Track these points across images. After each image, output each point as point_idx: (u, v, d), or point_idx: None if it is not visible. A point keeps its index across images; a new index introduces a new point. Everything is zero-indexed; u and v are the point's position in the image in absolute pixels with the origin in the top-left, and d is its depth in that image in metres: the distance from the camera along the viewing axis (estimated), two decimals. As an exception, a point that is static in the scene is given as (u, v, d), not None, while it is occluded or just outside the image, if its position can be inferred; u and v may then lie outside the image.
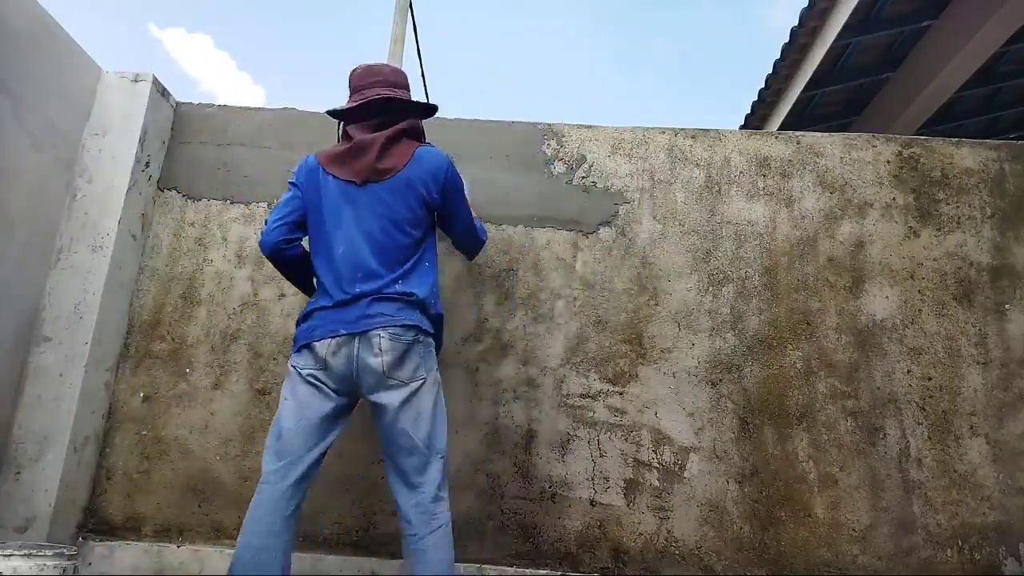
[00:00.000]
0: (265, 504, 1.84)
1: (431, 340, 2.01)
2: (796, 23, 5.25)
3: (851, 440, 2.41)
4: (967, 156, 2.68)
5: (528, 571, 2.34)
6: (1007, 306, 2.51)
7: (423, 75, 8.21)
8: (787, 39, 5.43)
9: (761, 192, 2.68)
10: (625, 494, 2.41)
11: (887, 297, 2.54)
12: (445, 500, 1.90)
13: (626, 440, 2.45)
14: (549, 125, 2.79)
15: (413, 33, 7.03)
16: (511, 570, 2.34)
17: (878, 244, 2.59)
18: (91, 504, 2.46)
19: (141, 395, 2.55)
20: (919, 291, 2.54)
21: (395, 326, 1.90)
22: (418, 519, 1.84)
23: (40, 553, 2.12)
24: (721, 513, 2.37)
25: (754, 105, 6.26)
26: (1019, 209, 2.60)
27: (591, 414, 2.48)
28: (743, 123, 6.52)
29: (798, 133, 2.76)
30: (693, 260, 2.62)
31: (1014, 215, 2.60)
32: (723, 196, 2.68)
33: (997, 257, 2.56)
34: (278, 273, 2.63)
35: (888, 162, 2.69)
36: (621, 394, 2.49)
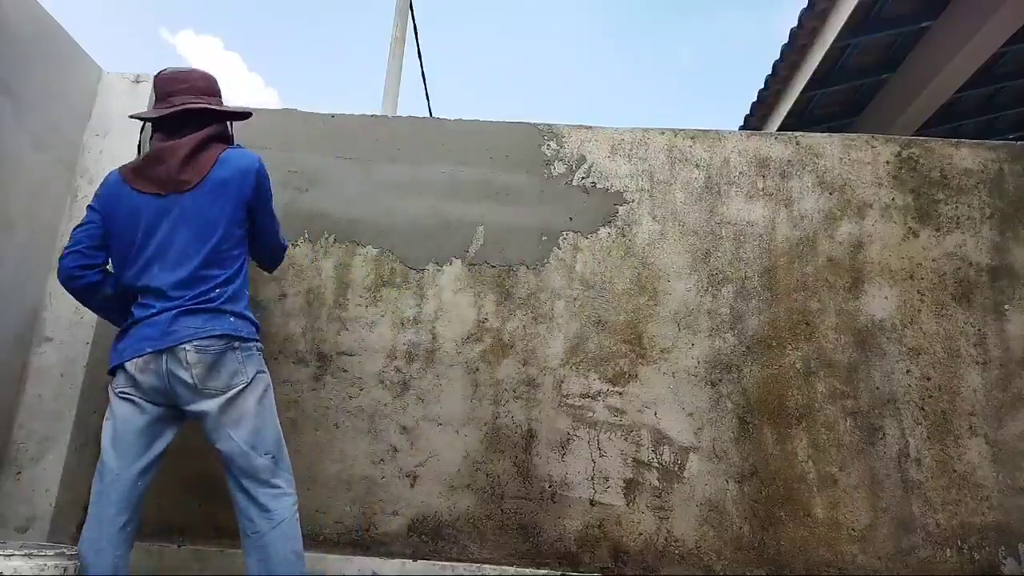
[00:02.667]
0: (91, 524, 1.89)
1: (251, 344, 1.96)
2: (795, 24, 5.26)
3: (850, 440, 2.41)
4: (966, 157, 2.68)
5: (528, 571, 2.34)
6: (1006, 306, 2.51)
7: (423, 75, 8.22)
8: (786, 39, 5.44)
9: (760, 193, 2.68)
10: (625, 494, 2.41)
11: (886, 297, 2.54)
12: (285, 494, 1.93)
13: (626, 440, 2.46)
14: (549, 126, 2.80)
15: (414, 34, 7.03)
16: (511, 570, 2.34)
17: (877, 244, 2.60)
18: (92, 504, 2.46)
19: (142, 395, 2.55)
20: (918, 291, 2.54)
21: (202, 338, 1.87)
22: (259, 516, 1.88)
23: (41, 553, 2.12)
24: (721, 513, 2.38)
25: (753, 106, 6.26)
26: (1018, 210, 2.61)
27: (591, 414, 2.49)
28: (742, 124, 6.52)
29: (797, 134, 2.77)
30: (693, 260, 2.62)
31: (1013, 215, 2.60)
32: (723, 197, 2.69)
33: (996, 257, 2.57)
34: (278, 272, 2.64)
35: (887, 163, 2.69)
36: (621, 394, 2.50)
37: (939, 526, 2.32)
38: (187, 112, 2.03)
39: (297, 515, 1.95)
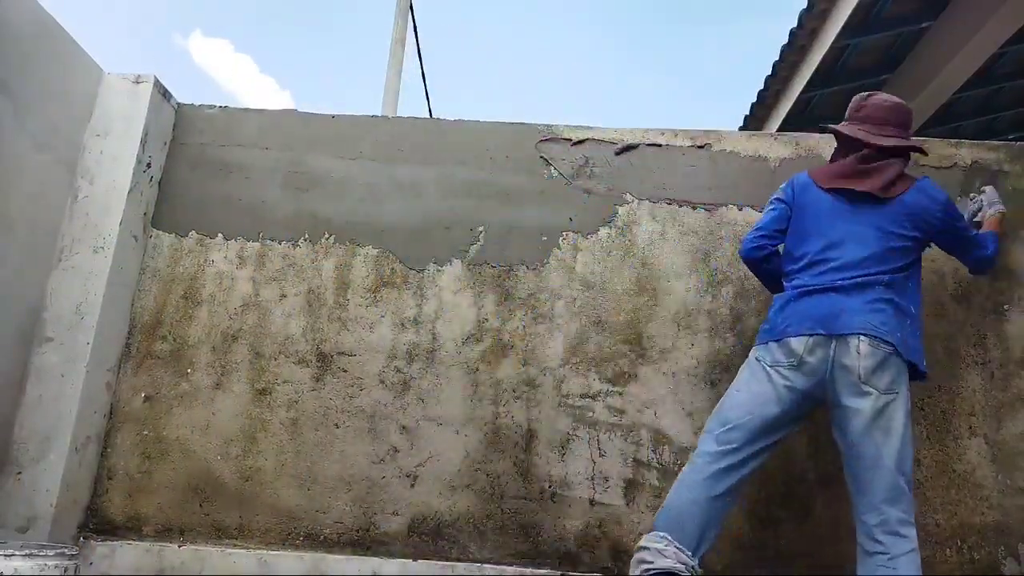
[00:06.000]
0: (688, 483, 1.97)
1: (905, 364, 1.96)
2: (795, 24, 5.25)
3: (850, 440, 2.41)
4: (966, 157, 2.68)
5: (528, 571, 2.34)
6: (1006, 306, 2.51)
7: (423, 75, 8.25)
8: (786, 40, 5.44)
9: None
10: (625, 494, 2.41)
11: (886, 297, 2.54)
12: (913, 524, 1.88)
13: (626, 440, 2.46)
14: (549, 126, 2.80)
15: (414, 34, 7.04)
16: (511, 570, 2.34)
17: (877, 244, 2.59)
18: (92, 504, 2.47)
19: (142, 395, 2.56)
20: (918, 291, 2.54)
21: (877, 337, 1.91)
22: (888, 539, 1.84)
23: (41, 553, 2.13)
24: (721, 513, 2.37)
25: (753, 106, 6.26)
26: (1018, 210, 2.61)
27: (591, 414, 2.49)
28: (743, 124, 6.52)
29: (797, 134, 2.77)
30: (692, 260, 2.62)
31: (1013, 216, 2.60)
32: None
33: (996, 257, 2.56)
34: (279, 273, 2.65)
35: (887, 163, 2.69)
36: (621, 394, 2.50)
37: (939, 526, 2.33)
38: (879, 149, 2.15)
39: (916, 559, 1.84)
